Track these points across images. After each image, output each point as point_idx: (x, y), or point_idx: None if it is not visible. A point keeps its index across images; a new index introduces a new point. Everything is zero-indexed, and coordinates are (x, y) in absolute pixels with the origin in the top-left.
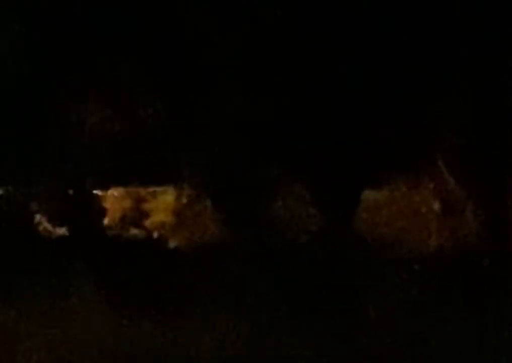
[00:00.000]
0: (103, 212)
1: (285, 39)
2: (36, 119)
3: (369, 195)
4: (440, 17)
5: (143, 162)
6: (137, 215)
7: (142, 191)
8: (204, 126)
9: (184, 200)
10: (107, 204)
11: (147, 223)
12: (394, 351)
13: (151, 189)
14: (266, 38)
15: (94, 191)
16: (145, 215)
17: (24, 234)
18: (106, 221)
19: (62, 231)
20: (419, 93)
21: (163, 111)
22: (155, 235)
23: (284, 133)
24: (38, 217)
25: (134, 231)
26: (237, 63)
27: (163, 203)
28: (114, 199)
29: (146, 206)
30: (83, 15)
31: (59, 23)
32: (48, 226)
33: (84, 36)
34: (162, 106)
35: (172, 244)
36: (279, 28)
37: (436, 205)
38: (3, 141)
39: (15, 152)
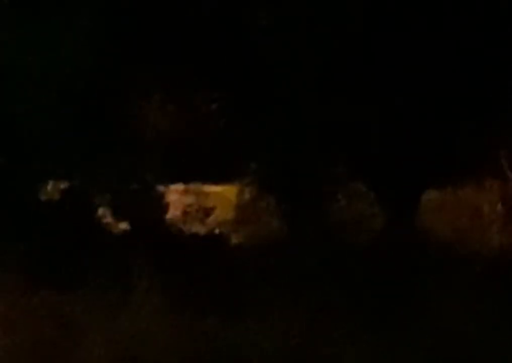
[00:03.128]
0: (165, 208)
1: (357, 42)
2: (100, 116)
3: (432, 195)
4: None
5: (206, 159)
6: (199, 211)
7: (204, 188)
8: (269, 124)
9: (247, 198)
10: (170, 200)
11: (209, 219)
12: (454, 351)
13: (213, 186)
14: (337, 39)
15: (158, 187)
16: (208, 211)
17: (88, 228)
18: (168, 217)
19: (124, 225)
20: (482, 94)
21: (227, 108)
22: (217, 231)
23: (349, 133)
24: (101, 211)
25: (196, 227)
26: (304, 62)
27: (225, 200)
28: (176, 195)
29: (208, 202)
30: (150, 15)
31: (126, 23)
32: (111, 220)
33: (149, 34)
34: (227, 103)
35: (234, 240)
36: (353, 28)
37: (499, 206)
38: (68, 137)
39: (80, 147)
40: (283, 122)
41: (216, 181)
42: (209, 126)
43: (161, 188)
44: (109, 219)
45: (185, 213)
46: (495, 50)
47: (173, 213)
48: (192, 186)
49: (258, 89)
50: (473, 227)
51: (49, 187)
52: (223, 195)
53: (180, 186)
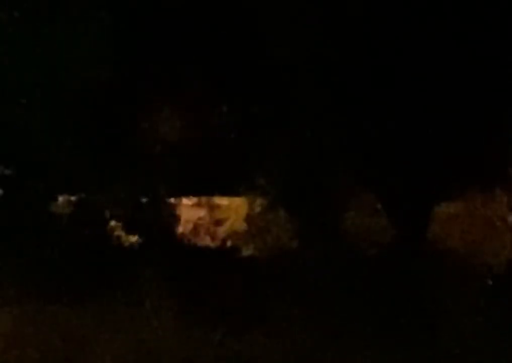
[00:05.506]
0: (176, 220)
1: (363, 51)
2: (110, 129)
3: (442, 207)
4: None
5: (216, 172)
6: (210, 224)
7: (215, 200)
8: (278, 137)
9: (257, 210)
10: (181, 213)
11: (220, 231)
12: None
13: (224, 198)
14: (343, 47)
15: (168, 200)
16: (218, 223)
17: (98, 241)
18: (179, 229)
19: (135, 238)
20: (491, 107)
21: (237, 121)
22: (228, 244)
23: (358, 145)
24: (112, 224)
25: (207, 240)
26: (311, 75)
27: (236, 212)
28: (187, 208)
29: (219, 215)
30: (160, 27)
31: (135, 35)
32: (122, 233)
33: (159, 47)
34: (236, 116)
35: (245, 253)
36: (355, 34)
37: (510, 218)
38: (78, 150)
39: (90, 160)
40: (293, 134)
41: (227, 194)
42: (220, 138)
43: (172, 201)
44: (120, 232)
45: (196, 226)
46: (505, 61)
47: (184, 226)
48: (203, 199)
49: (268, 103)
50: (484, 239)
51: (60, 200)
52: (234, 208)
53: (191, 199)
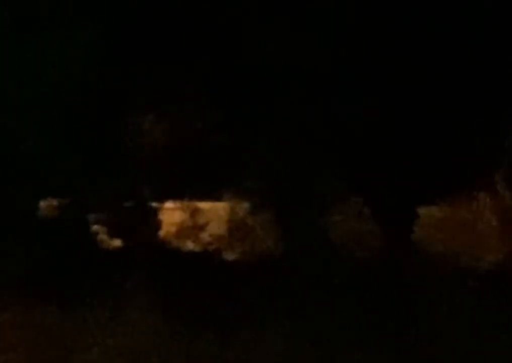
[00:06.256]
0: (159, 224)
1: (351, 50)
2: (94, 133)
3: (426, 211)
4: None
5: (199, 175)
6: (193, 228)
7: (198, 204)
8: (262, 139)
9: (240, 214)
10: (163, 217)
11: (203, 236)
12: None
13: (207, 202)
14: (330, 47)
15: (152, 204)
16: (201, 228)
17: (81, 245)
18: (161, 234)
19: (118, 242)
20: (477, 112)
21: (221, 124)
22: (211, 248)
23: (344, 148)
24: (95, 228)
25: (190, 244)
26: (297, 76)
27: (219, 216)
28: (170, 212)
29: (202, 219)
30: (144, 32)
31: (120, 39)
32: (105, 237)
33: (143, 51)
34: (220, 118)
35: (227, 257)
36: (343, 34)
37: (494, 222)
38: (61, 153)
39: (73, 164)
40: (278, 137)
41: (209, 197)
42: (203, 142)
43: (154, 205)
44: (103, 236)
45: (178, 230)
46: (498, 64)
47: (166, 230)
48: (186, 203)
49: (252, 106)
50: (469, 243)
51: (43, 204)
52: (217, 212)
53: (173, 203)
